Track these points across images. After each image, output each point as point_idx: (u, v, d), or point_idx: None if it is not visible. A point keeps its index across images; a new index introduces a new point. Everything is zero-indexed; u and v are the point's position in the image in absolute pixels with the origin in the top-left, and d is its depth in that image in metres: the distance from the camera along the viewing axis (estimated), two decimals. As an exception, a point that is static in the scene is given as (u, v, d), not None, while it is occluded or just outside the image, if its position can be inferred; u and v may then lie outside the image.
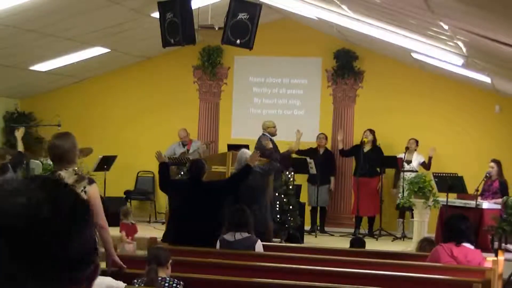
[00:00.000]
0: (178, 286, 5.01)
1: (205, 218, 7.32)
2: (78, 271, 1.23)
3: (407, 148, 12.28)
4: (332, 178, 12.84)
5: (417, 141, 12.35)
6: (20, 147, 9.82)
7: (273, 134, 11.97)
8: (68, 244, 1.21)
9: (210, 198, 7.44)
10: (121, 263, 5.35)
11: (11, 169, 9.43)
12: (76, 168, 5.29)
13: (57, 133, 5.49)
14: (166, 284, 4.96)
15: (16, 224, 1.19)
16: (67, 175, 5.18)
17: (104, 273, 4.74)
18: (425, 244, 7.21)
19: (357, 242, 8.23)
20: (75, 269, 1.23)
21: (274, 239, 10.27)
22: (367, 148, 12.44)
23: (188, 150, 12.60)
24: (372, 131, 12.52)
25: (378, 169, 12.48)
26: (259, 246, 6.76)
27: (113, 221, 8.62)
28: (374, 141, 12.53)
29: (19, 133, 9.85)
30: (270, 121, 12.14)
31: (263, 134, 11.82)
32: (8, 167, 9.43)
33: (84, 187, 5.15)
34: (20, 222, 1.19)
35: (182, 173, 11.19)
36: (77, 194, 1.29)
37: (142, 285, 4.94)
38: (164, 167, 7.93)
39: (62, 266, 1.21)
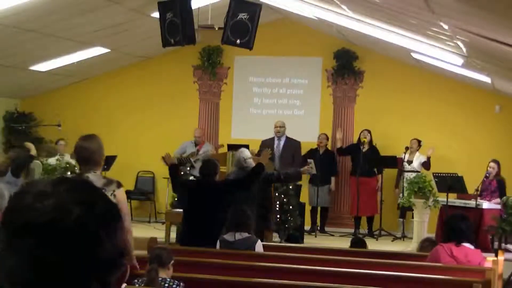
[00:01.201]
0: (178, 287, 5.00)
1: (218, 218, 7.27)
2: (107, 274, 1.23)
3: (407, 148, 12.28)
4: (333, 178, 12.83)
5: (419, 141, 12.34)
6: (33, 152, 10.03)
7: (277, 135, 11.98)
8: (98, 246, 1.21)
9: (222, 197, 7.38)
10: (137, 265, 5.36)
11: (10, 172, 9.42)
12: (100, 169, 5.30)
13: (84, 135, 5.45)
14: (166, 285, 4.96)
15: (45, 225, 1.19)
16: (95, 178, 5.18)
17: None
18: (427, 244, 7.19)
19: (358, 242, 8.21)
20: (105, 272, 1.22)
21: (274, 240, 10.28)
22: (365, 148, 12.44)
23: (198, 151, 12.53)
24: (369, 131, 12.53)
25: (375, 169, 12.49)
26: (259, 246, 6.75)
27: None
28: (370, 141, 12.54)
29: (31, 146, 10.10)
30: (276, 120, 12.27)
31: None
32: (8, 170, 9.42)
33: (114, 191, 5.16)
34: (49, 223, 1.19)
35: (182, 173, 11.19)
36: (107, 197, 1.29)
37: (142, 285, 4.94)
38: (174, 168, 7.91)
39: (91, 268, 1.20)
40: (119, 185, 5.26)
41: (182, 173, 11.19)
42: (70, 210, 1.19)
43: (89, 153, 5.23)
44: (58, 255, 1.18)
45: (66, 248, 1.18)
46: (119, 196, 5.18)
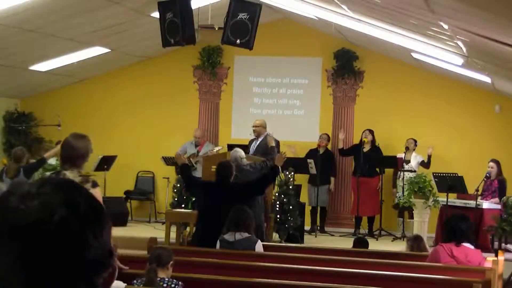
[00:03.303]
0: (176, 286, 5.00)
1: None
2: (94, 274, 1.22)
3: (407, 148, 12.28)
4: (332, 179, 12.81)
5: (415, 141, 12.36)
6: (51, 153, 10.04)
7: (254, 135, 11.73)
8: (84, 247, 1.20)
9: (238, 199, 7.36)
10: (122, 265, 5.35)
11: (22, 173, 9.43)
12: (81, 170, 5.25)
13: (75, 133, 5.39)
14: (165, 285, 4.95)
15: (30, 227, 1.18)
16: (71, 176, 5.15)
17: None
18: (412, 243, 7.21)
19: (360, 242, 8.22)
20: (92, 272, 1.22)
21: (274, 240, 10.27)
22: (366, 148, 12.43)
23: (198, 152, 12.50)
24: (371, 131, 12.51)
25: (377, 169, 12.48)
26: (259, 246, 6.75)
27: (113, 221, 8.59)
28: (373, 141, 12.52)
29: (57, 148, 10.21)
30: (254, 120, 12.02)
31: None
32: (20, 171, 9.44)
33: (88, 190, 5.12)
34: (33, 225, 1.19)
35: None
36: (93, 196, 1.28)
37: (142, 285, 4.93)
38: (185, 168, 7.89)
39: (78, 269, 1.20)
40: (95, 184, 5.18)
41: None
42: (54, 211, 1.19)
43: (72, 153, 5.17)
44: (44, 256, 1.18)
45: (52, 249, 1.18)
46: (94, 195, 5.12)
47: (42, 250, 1.18)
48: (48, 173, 6.04)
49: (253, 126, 11.52)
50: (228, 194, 7.43)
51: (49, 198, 1.21)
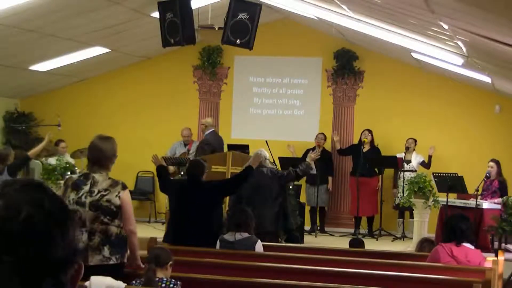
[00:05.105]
0: (175, 286, 5.00)
1: (204, 218, 7.30)
2: (61, 272, 1.23)
3: (407, 148, 12.28)
4: (330, 178, 12.81)
5: (415, 141, 12.36)
6: (36, 150, 9.97)
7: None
8: (50, 245, 1.21)
9: (209, 198, 7.40)
10: (141, 263, 5.37)
11: (6, 172, 9.43)
12: (108, 172, 5.29)
13: (102, 135, 5.43)
14: (163, 285, 4.95)
15: None
16: (101, 179, 5.19)
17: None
18: (425, 244, 7.21)
19: (356, 243, 8.22)
20: (58, 270, 1.23)
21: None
22: (366, 148, 12.44)
23: (188, 151, 12.60)
24: (370, 131, 12.52)
25: (376, 169, 12.48)
26: (259, 246, 6.76)
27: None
28: (372, 141, 12.53)
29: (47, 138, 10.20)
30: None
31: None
32: (4, 171, 9.43)
33: (119, 192, 5.15)
34: None
35: (182, 173, 11.18)
36: (58, 196, 1.29)
37: (140, 285, 4.93)
38: (161, 170, 7.90)
39: (44, 267, 1.21)
40: (124, 186, 5.25)
41: (182, 173, 11.19)
42: (19, 210, 1.21)
43: (100, 155, 5.23)
44: (8, 254, 1.19)
45: (17, 247, 1.19)
46: (124, 198, 5.17)
47: (9, 248, 1.19)
48: (75, 176, 5.97)
49: (201, 124, 12.04)
50: (200, 193, 7.43)
51: (14, 198, 1.22)
